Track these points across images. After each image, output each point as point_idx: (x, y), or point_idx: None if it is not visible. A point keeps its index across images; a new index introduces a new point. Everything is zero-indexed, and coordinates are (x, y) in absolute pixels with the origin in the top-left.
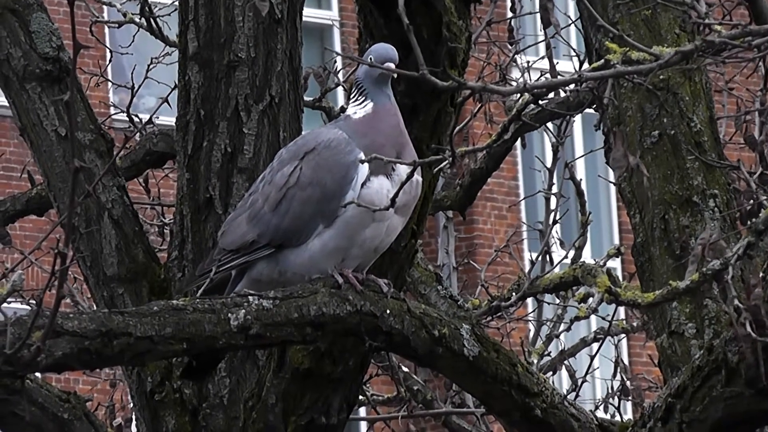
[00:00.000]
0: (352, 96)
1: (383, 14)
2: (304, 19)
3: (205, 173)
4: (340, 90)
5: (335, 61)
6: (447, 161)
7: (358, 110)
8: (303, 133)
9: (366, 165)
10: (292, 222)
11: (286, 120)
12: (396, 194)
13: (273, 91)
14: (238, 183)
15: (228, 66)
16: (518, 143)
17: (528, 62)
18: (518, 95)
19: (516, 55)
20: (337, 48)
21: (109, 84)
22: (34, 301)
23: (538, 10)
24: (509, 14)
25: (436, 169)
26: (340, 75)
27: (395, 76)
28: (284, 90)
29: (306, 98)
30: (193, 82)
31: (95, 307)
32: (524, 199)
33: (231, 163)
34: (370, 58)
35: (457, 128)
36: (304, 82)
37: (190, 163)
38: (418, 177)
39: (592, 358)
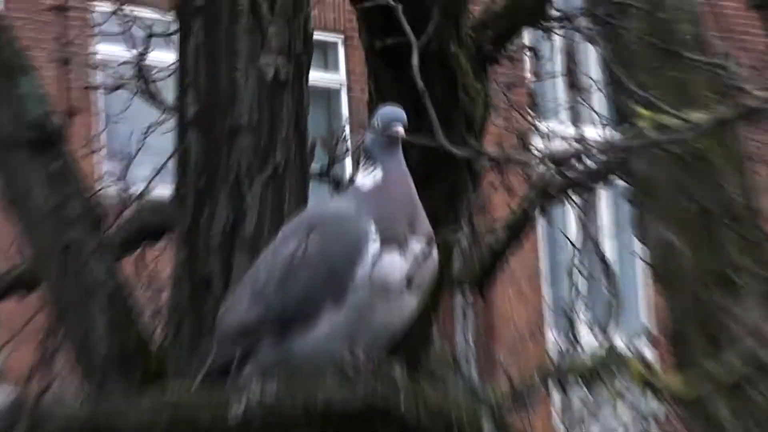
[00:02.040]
0: (360, 164)
1: (395, 75)
2: (311, 82)
3: (204, 249)
4: (349, 159)
5: (344, 128)
6: (466, 237)
7: (366, 179)
8: (309, 204)
9: (377, 239)
10: (298, 301)
11: (292, 190)
12: (412, 273)
13: (277, 158)
14: (239, 259)
15: (229, 131)
16: (540, 216)
17: (548, 128)
18: (542, 165)
19: (537, 121)
20: (345, 113)
21: (102, 152)
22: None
23: (562, 73)
24: (529, 76)
25: (455, 245)
26: (348, 142)
27: (402, 137)
28: (289, 157)
29: (312, 168)
30: (192, 148)
31: (83, 395)
32: (547, 276)
33: (232, 238)
34: (377, 122)
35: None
36: (311, 151)
37: (188, 237)
38: (435, 254)
39: None
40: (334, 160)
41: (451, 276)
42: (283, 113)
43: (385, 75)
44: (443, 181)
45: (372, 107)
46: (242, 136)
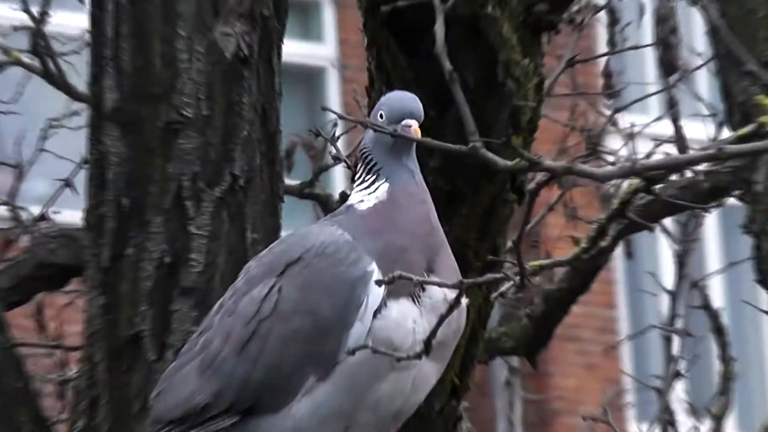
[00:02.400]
0: (357, 175)
1: (406, 49)
2: (285, 58)
3: (130, 297)
4: (341, 168)
5: (334, 124)
6: (510, 281)
7: (366, 197)
8: (284, 234)
9: (380, 283)
10: (268, 372)
11: (257, 213)
12: (433, 333)
13: (236, 168)
14: (181, 312)
15: (166, 129)
16: (619, 251)
17: (633, 126)
18: (621, 179)
19: (616, 114)
20: (336, 101)
21: None
22: None
23: (653, 45)
24: (602, 49)
25: (495, 294)
26: (339, 143)
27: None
28: (253, 165)
29: (290, 181)
30: (112, 154)
31: None
32: (628, 339)
33: (170, 281)
34: (381, 115)
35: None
36: (287, 157)
37: (106, 279)
38: (463, 304)
39: None
40: (321, 169)
41: (487, 336)
42: (245, 103)
43: (392, 49)
44: (475, 201)
45: (373, 94)
46: (185, 137)
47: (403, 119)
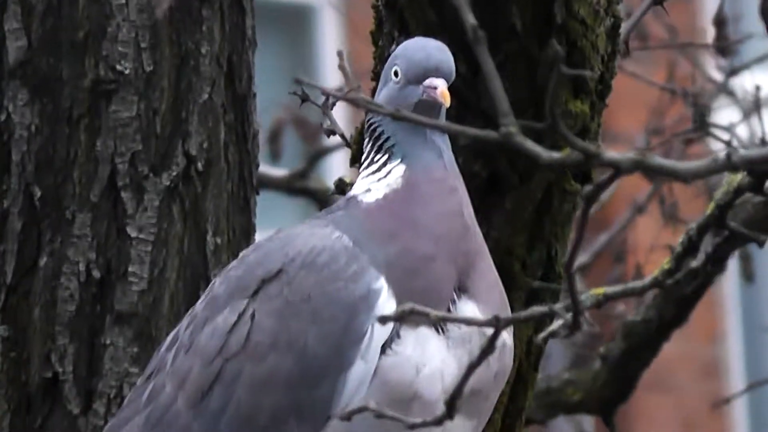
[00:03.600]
0: (363, 156)
1: None
2: None
3: (44, 326)
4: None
5: (334, 94)
6: (560, 318)
7: (373, 184)
8: (258, 239)
9: (392, 307)
10: (237, 430)
11: (221, 209)
12: (459, 388)
13: (192, 146)
14: (115, 347)
15: (93, 92)
16: (734, 268)
17: (758, 89)
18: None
19: (733, 76)
20: (332, 53)
21: None
22: None
23: None
24: None
25: (542, 335)
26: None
27: (446, 105)
28: (216, 144)
29: (275, 171)
30: (17, 126)
31: None
32: (745, 390)
33: (100, 304)
34: (395, 72)
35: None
36: (272, 140)
37: (11, 303)
38: (505, 335)
39: None
40: (316, 154)
41: (546, 386)
42: (204, 55)
43: None
44: (523, 192)
45: (381, 41)
46: (120, 102)
47: (427, 78)
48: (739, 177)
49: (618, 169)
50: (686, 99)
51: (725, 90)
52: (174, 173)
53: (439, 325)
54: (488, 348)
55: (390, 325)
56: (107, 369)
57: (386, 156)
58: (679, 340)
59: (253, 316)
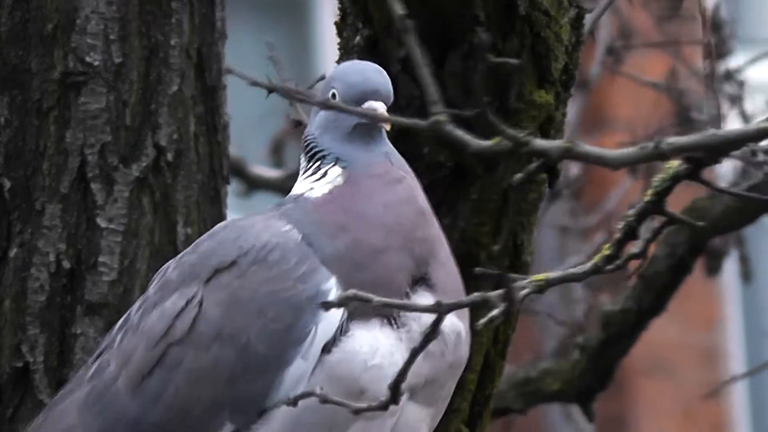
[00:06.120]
0: (301, 165)
1: None
2: None
3: (14, 316)
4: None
5: (322, 77)
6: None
7: (315, 183)
8: (217, 225)
9: (341, 300)
10: (171, 416)
11: (191, 200)
12: (401, 373)
13: (162, 137)
14: (85, 336)
15: (62, 83)
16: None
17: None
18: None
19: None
20: (326, 41)
21: None
22: None
23: None
24: None
25: (481, 322)
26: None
27: (387, 127)
28: (186, 135)
29: (271, 172)
30: None
31: None
32: (742, 376)
33: (70, 294)
34: (333, 94)
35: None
36: (275, 150)
37: None
38: (460, 325)
39: None
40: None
41: (525, 375)
42: (173, 46)
43: None
44: (489, 181)
45: (345, 33)
46: (89, 93)
47: (365, 101)
48: (676, 164)
49: (547, 157)
50: (671, 94)
51: (711, 87)
52: (144, 164)
53: (392, 318)
54: (431, 333)
55: (334, 325)
56: (78, 359)
57: (321, 162)
58: (678, 327)
59: (201, 303)
